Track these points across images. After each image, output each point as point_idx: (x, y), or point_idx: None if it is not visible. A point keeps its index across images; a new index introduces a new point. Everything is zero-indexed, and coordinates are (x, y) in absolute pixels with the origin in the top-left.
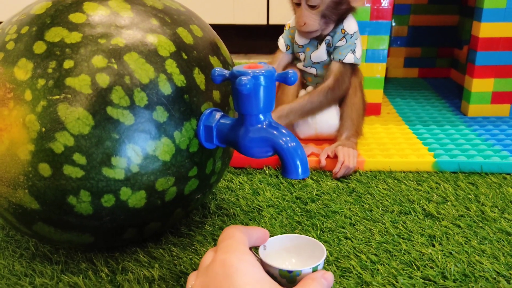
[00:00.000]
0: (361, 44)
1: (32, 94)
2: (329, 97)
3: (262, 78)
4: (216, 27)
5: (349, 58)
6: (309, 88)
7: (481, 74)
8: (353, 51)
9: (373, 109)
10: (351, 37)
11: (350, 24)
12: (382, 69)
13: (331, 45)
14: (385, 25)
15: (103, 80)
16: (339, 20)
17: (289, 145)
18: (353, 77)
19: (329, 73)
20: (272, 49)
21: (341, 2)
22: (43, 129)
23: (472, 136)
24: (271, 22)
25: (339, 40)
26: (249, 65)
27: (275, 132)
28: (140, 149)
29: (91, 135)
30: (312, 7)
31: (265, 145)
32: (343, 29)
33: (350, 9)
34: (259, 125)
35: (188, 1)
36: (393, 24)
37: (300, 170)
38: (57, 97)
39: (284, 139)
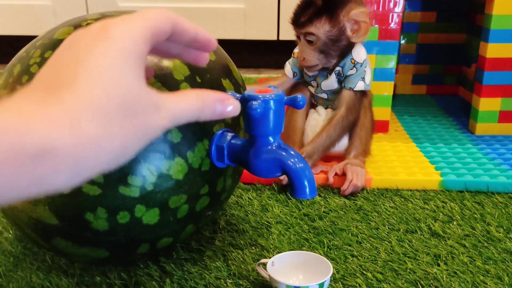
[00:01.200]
0: (370, 69)
1: None
2: (344, 125)
3: (272, 102)
4: (227, 42)
5: (360, 86)
6: (319, 108)
7: (488, 93)
8: (363, 79)
9: (381, 127)
10: (361, 66)
11: (360, 53)
12: (390, 87)
13: (341, 75)
14: (393, 45)
15: None
16: (343, 54)
17: (297, 166)
18: (363, 97)
19: (341, 101)
20: (282, 64)
21: (339, 40)
22: None
23: (479, 155)
24: (281, 38)
25: (350, 69)
26: (260, 90)
27: (284, 153)
28: (154, 168)
29: None
30: (310, 42)
31: (274, 165)
32: (353, 59)
33: (352, 45)
34: (269, 147)
35: (200, 17)
36: (402, 41)
37: (307, 190)
38: None
39: (292, 160)
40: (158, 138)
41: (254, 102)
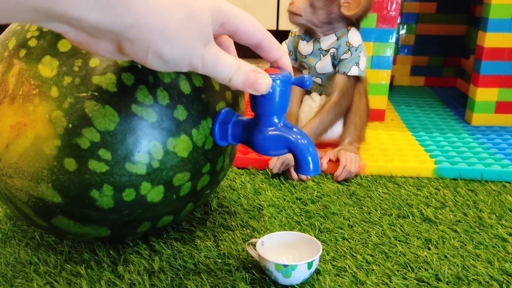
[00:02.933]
0: (365, 56)
1: (58, 91)
2: (337, 112)
3: (279, 82)
4: None
5: (354, 71)
6: (314, 95)
7: (485, 84)
8: (357, 64)
9: (377, 115)
10: (355, 50)
11: (355, 38)
12: (387, 75)
13: (336, 58)
14: (390, 32)
15: (128, 78)
16: (332, 26)
17: (302, 142)
18: (358, 83)
19: (334, 86)
20: None
21: (331, 2)
22: (70, 125)
23: (474, 144)
24: (280, 28)
25: (344, 53)
26: (267, 69)
27: (288, 131)
28: (161, 145)
29: (117, 132)
30: None
31: (279, 143)
32: (348, 42)
33: (341, 21)
34: (274, 126)
35: None
36: (401, 32)
37: (311, 166)
38: (84, 94)
39: (297, 137)
40: (165, 115)
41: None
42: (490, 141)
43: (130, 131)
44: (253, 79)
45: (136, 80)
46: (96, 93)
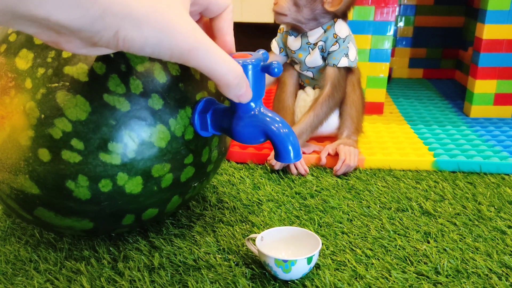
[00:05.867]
0: (355, 46)
1: (32, 82)
2: (331, 104)
3: (250, 67)
4: None
5: (343, 62)
6: (307, 89)
7: (484, 76)
8: (347, 55)
9: (375, 108)
10: (343, 41)
11: (342, 29)
12: (386, 68)
13: (324, 51)
14: (388, 25)
15: (100, 68)
16: (318, 22)
17: (281, 131)
18: (351, 75)
19: (325, 78)
20: None
21: (315, 9)
22: (43, 116)
23: (473, 136)
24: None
25: (332, 45)
26: (239, 54)
27: (267, 118)
28: (136, 135)
29: (89, 121)
30: None
31: (257, 131)
32: (335, 34)
33: (326, 17)
34: (251, 112)
35: None
36: (399, 24)
37: (292, 154)
38: (56, 84)
39: (276, 125)
40: (139, 104)
41: None
42: (488, 133)
43: (103, 121)
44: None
45: (108, 69)
46: (67, 83)
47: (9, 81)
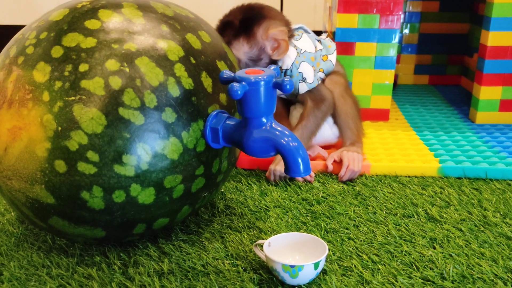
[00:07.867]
0: (309, 65)
1: (49, 95)
2: (317, 113)
3: (262, 83)
4: None
5: (303, 89)
6: (297, 105)
7: (489, 82)
8: (303, 80)
9: (381, 115)
10: (290, 71)
11: (285, 61)
12: (391, 75)
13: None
14: (393, 33)
15: (116, 82)
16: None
17: (291, 145)
18: (336, 86)
19: (303, 95)
20: None
21: (260, 59)
22: (59, 128)
23: (479, 142)
24: None
25: (284, 77)
26: (251, 70)
27: (277, 133)
28: (149, 147)
29: (104, 134)
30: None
31: (268, 145)
32: (281, 67)
33: (275, 61)
34: (263, 127)
35: (198, 4)
36: (404, 31)
37: (301, 168)
38: (73, 98)
39: (286, 139)
40: (153, 118)
41: (235, 84)
42: (494, 139)
43: (117, 134)
44: None
45: (124, 84)
46: (84, 97)
47: (26, 93)
